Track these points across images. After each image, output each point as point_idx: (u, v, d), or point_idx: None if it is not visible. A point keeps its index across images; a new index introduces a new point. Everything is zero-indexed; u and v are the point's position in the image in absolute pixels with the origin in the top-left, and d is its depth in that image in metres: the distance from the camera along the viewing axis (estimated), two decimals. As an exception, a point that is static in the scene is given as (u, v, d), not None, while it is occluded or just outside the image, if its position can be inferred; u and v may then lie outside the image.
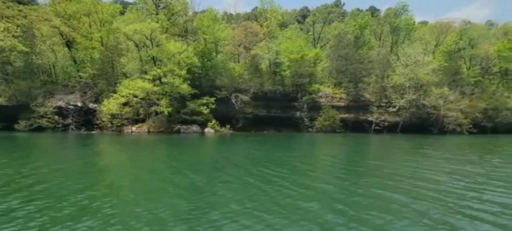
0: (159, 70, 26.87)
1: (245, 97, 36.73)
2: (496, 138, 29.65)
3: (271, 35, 48.11)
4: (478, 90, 38.63)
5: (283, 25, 69.04)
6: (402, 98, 33.76)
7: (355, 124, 37.29)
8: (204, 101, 30.69)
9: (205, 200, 6.62)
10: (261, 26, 49.45)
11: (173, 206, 6.15)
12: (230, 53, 44.01)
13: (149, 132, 30.87)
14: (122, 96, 26.57)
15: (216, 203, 6.44)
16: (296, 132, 37.32)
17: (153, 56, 28.36)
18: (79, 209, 5.94)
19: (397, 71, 34.86)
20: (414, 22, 47.58)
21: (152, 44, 28.48)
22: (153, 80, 27.81)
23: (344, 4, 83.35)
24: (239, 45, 44.17)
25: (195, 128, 33.13)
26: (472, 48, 42.12)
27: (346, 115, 37.60)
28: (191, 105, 29.64)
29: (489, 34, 55.93)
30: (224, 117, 37.73)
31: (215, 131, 34.50)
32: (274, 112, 39.06)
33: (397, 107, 34.20)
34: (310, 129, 37.20)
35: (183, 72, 27.76)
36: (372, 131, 35.63)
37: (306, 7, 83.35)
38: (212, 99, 31.55)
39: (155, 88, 27.20)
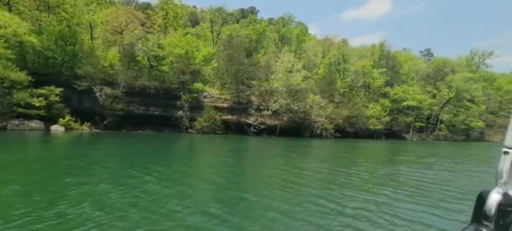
0: None
1: (116, 92, 32.26)
2: (346, 142, 34.00)
3: (165, 29, 44.66)
4: (345, 99, 44.24)
5: (195, 22, 66.55)
6: (276, 102, 35.42)
7: (237, 125, 37.36)
8: (43, 91, 24.89)
9: None
10: (155, 15, 45.45)
11: None
12: (107, 40, 38.43)
13: (-47, 127, 23.30)
14: None
15: None
16: (177, 132, 34.96)
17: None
18: None
19: (274, 76, 36.56)
20: (304, 34, 51.86)
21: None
22: None
23: (258, 12, 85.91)
24: (120, 33, 39.02)
25: (34, 124, 26.81)
26: (344, 63, 48.30)
27: (229, 116, 37.31)
28: (20, 95, 23.51)
29: (367, 54, 66.35)
30: (90, 113, 32.30)
31: (68, 129, 28.88)
32: (153, 110, 35.72)
33: (271, 110, 35.68)
34: (190, 130, 35.38)
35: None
36: (251, 133, 36.22)
37: (221, 8, 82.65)
38: (58, 90, 26.02)
39: None
